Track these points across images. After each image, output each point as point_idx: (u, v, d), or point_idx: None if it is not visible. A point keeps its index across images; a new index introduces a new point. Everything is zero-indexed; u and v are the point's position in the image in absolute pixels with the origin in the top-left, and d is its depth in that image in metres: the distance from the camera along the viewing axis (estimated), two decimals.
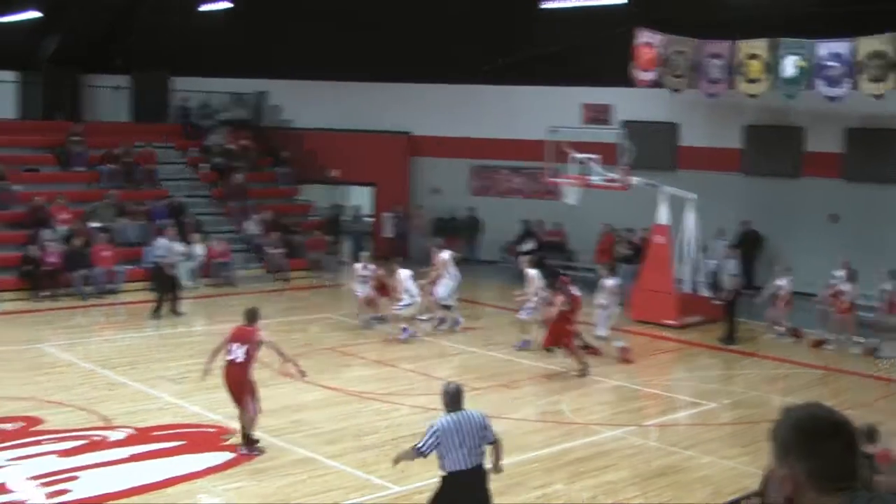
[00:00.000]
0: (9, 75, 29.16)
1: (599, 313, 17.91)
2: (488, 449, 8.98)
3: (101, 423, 13.20)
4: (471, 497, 8.74)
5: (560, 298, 16.76)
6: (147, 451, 12.21)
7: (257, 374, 15.58)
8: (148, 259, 23.30)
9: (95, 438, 12.57)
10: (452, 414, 8.76)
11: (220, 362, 12.14)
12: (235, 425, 12.35)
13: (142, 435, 12.77)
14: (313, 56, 29.15)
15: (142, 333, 19.89)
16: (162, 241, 22.37)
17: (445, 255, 20.07)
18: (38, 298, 22.36)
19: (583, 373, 16.48)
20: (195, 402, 14.26)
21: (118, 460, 11.93)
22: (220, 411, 13.42)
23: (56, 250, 22.92)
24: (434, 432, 8.60)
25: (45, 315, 21.31)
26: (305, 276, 26.19)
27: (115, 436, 12.78)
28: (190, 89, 30.95)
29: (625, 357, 17.78)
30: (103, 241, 24.01)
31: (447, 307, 19.97)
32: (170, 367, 16.47)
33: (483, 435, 8.74)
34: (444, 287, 19.80)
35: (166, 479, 11.27)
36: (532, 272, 18.56)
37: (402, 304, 18.87)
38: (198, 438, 12.74)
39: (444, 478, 8.72)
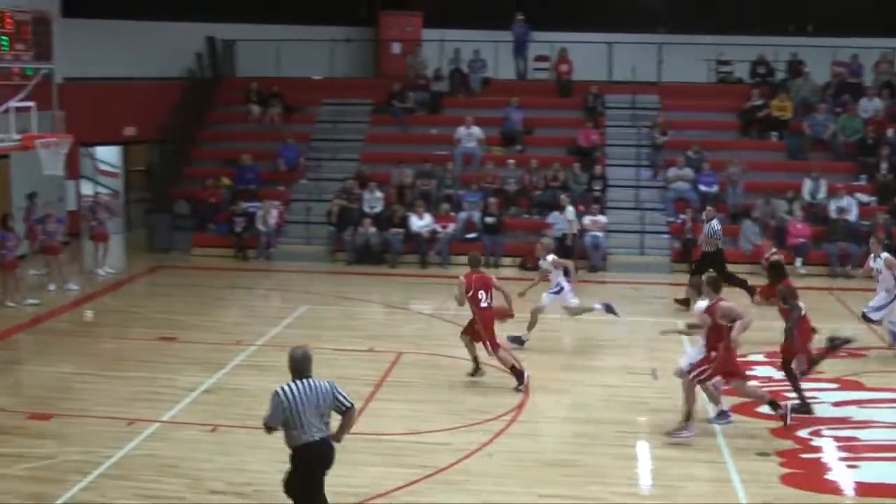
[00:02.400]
0: None
1: None
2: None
3: None
4: (322, 471, 8.53)
5: None
6: None
7: None
8: None
9: None
10: (298, 382, 8.39)
11: None
12: None
13: None
14: None
15: None
16: None
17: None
18: None
19: None
20: None
21: None
22: None
23: None
24: (276, 403, 8.31)
25: None
26: None
27: None
28: None
29: None
30: None
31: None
32: None
33: (334, 404, 8.45)
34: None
35: None
36: None
37: None
38: None
39: (297, 450, 8.39)
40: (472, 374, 14.18)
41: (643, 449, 11.80)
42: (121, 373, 14.53)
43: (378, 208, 24.10)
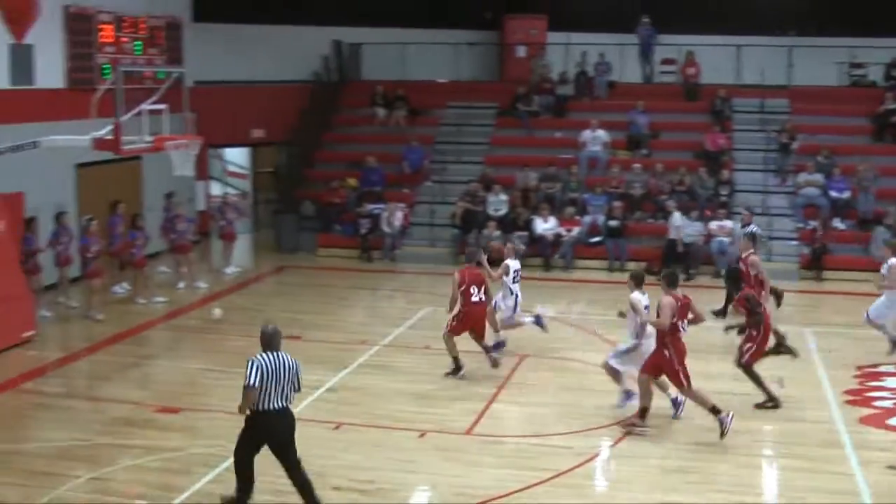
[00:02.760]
0: None
1: None
2: None
3: None
4: (280, 436, 9.49)
5: None
6: None
7: None
8: None
9: None
10: (268, 353, 9.41)
11: None
12: None
13: None
14: None
15: None
16: None
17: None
18: None
19: None
20: None
21: None
22: None
23: None
24: (256, 365, 9.26)
25: None
26: None
27: None
28: None
29: None
30: None
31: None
32: None
33: (294, 381, 9.47)
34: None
35: None
36: None
37: None
38: None
39: (255, 414, 9.38)
40: (452, 373, 14.63)
41: (768, 458, 11.62)
42: None
43: (502, 211, 24.21)
